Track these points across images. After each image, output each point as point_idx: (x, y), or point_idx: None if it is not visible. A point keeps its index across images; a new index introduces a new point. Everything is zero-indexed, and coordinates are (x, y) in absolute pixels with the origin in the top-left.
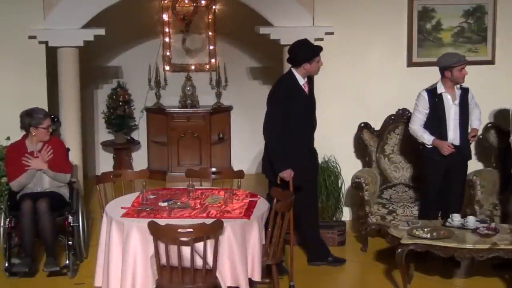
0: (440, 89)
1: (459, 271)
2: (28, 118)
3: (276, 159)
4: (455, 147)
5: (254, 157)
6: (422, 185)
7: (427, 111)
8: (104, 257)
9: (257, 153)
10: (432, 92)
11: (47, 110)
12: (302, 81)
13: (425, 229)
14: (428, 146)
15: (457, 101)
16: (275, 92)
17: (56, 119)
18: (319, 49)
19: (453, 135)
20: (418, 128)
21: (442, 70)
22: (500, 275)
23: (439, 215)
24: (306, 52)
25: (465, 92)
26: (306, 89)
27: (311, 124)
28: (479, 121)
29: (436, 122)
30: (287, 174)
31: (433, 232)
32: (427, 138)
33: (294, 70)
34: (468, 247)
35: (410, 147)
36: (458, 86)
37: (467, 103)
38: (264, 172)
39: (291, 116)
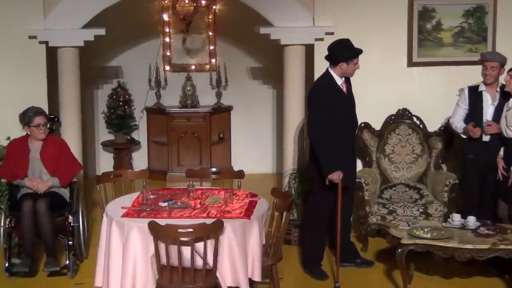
0: (482, 87)
1: None
2: (22, 117)
3: (324, 161)
4: (485, 144)
5: (254, 157)
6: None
7: (467, 107)
8: (104, 257)
9: (257, 153)
10: (473, 89)
11: (47, 110)
12: (339, 81)
13: (425, 229)
14: (463, 136)
15: (496, 103)
16: (315, 93)
17: (56, 119)
18: (359, 51)
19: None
20: (456, 120)
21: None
22: (500, 275)
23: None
24: (345, 52)
25: (508, 95)
26: (345, 89)
27: (352, 124)
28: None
29: (473, 120)
30: (336, 176)
31: (433, 232)
32: (459, 126)
33: (331, 70)
34: (468, 247)
35: (413, 145)
36: (499, 88)
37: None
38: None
39: (332, 116)
